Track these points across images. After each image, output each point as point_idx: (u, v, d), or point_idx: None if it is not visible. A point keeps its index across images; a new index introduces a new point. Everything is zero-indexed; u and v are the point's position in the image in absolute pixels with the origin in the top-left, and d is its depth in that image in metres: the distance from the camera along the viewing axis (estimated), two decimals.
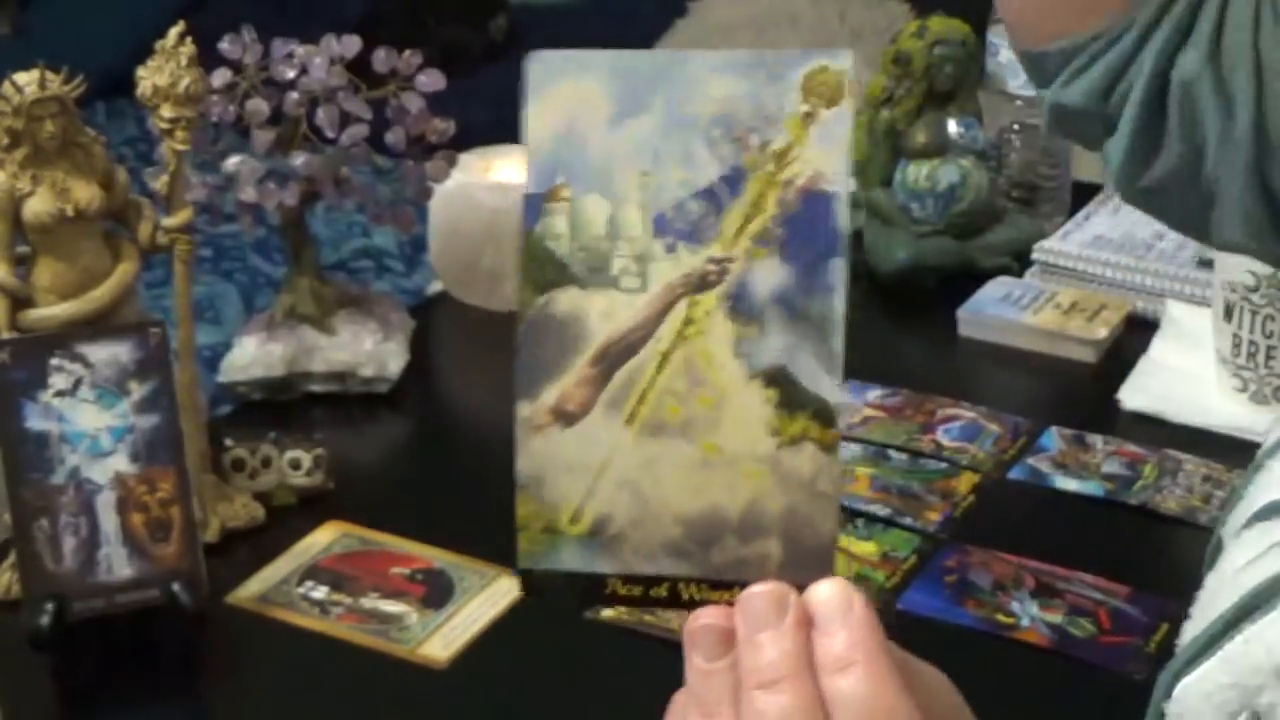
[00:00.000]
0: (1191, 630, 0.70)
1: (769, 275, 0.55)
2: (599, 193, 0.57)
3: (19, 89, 1.11)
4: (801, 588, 0.56)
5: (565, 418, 0.57)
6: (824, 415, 0.56)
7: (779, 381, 0.56)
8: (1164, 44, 0.80)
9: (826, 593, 0.55)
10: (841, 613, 0.55)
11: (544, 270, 0.57)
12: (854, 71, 0.56)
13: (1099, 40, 0.82)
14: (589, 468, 0.57)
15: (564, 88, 0.57)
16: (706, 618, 0.56)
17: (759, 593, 0.55)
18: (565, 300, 0.57)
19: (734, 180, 0.56)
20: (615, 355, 0.57)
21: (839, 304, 0.55)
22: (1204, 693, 0.66)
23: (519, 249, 0.58)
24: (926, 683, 0.59)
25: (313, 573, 1.19)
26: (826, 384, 0.55)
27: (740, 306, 0.56)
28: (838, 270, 0.55)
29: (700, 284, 0.56)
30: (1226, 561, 0.70)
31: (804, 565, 0.56)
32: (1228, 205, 0.81)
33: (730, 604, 0.57)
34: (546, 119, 0.58)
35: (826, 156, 0.55)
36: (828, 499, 0.56)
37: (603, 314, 0.57)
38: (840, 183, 0.55)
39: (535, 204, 0.58)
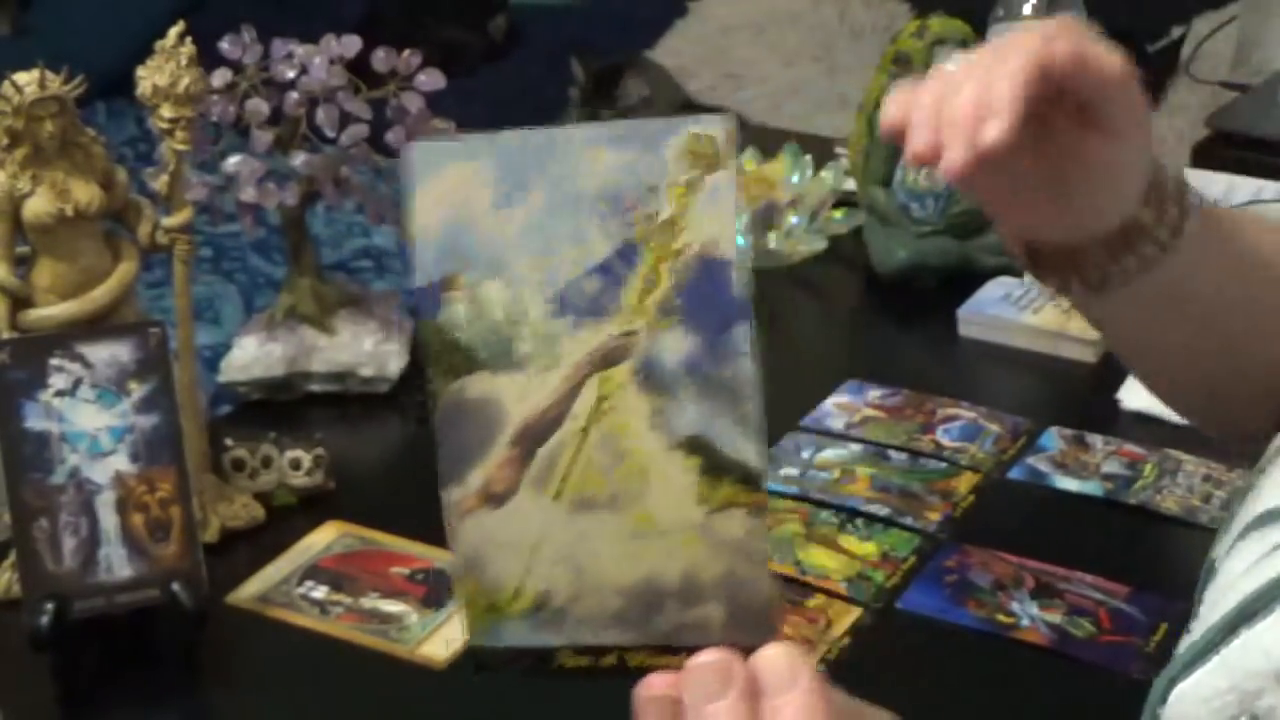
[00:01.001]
0: (1189, 640, 0.70)
1: (676, 345, 0.55)
2: (495, 278, 0.56)
3: (19, 89, 1.11)
4: (748, 649, 0.56)
5: (493, 499, 0.57)
6: (748, 479, 0.55)
7: (699, 449, 0.55)
8: None
9: (774, 659, 0.55)
10: (787, 682, 0.55)
11: (452, 358, 0.57)
12: (729, 137, 0.55)
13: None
14: (523, 546, 0.57)
15: (447, 174, 0.56)
16: (656, 688, 0.56)
17: (704, 664, 0.55)
18: (477, 385, 0.57)
19: (628, 253, 0.55)
20: (534, 435, 0.57)
21: (748, 368, 0.55)
22: (1201, 698, 0.66)
23: (423, 338, 0.58)
24: None
25: (313, 573, 1.19)
26: (746, 448, 0.55)
27: (651, 378, 0.55)
28: (743, 336, 0.55)
29: (608, 359, 0.56)
30: (1224, 570, 0.70)
31: (747, 626, 0.56)
32: None
33: (679, 669, 0.57)
34: (433, 207, 0.57)
35: (716, 222, 0.54)
36: (761, 561, 0.56)
37: (516, 396, 0.56)
38: (732, 249, 0.55)
39: (432, 294, 0.57)
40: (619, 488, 0.56)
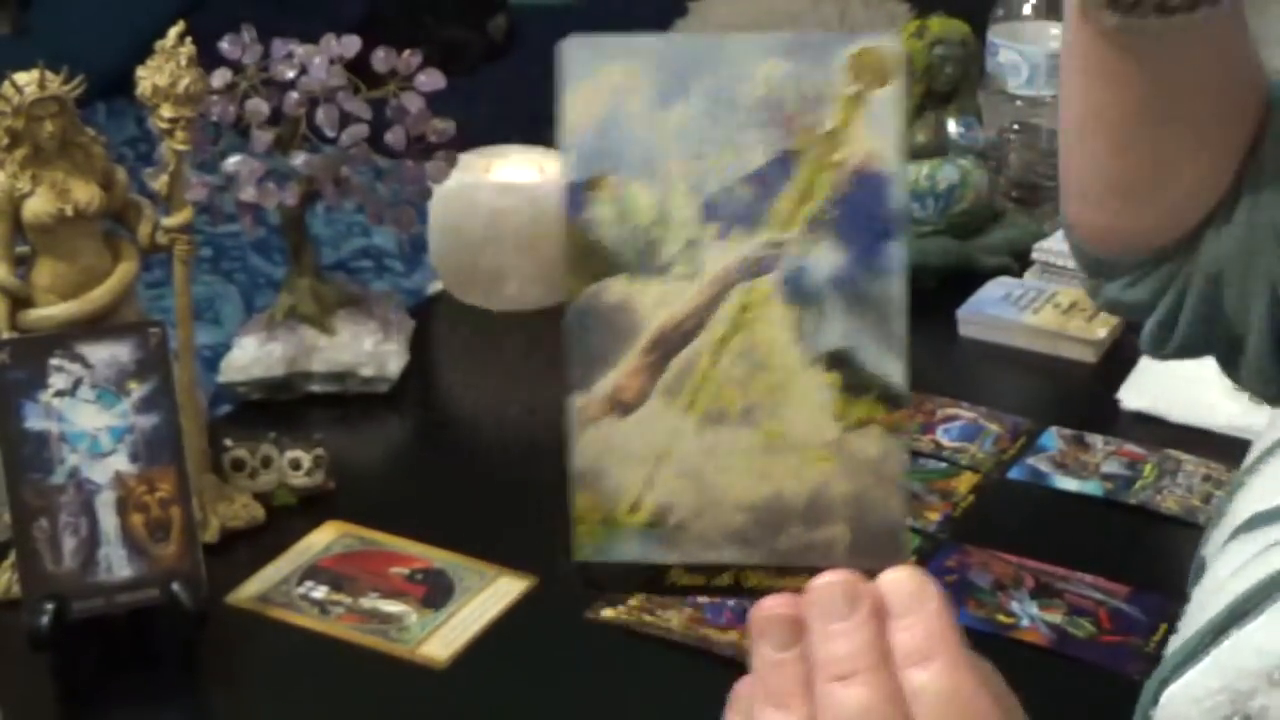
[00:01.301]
0: (1178, 641, 0.70)
1: (825, 258, 0.54)
2: (645, 180, 0.55)
3: (19, 89, 1.11)
4: (871, 573, 0.55)
5: (621, 407, 0.56)
6: (889, 398, 0.55)
7: (841, 365, 0.55)
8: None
9: (901, 580, 0.54)
10: (918, 602, 0.54)
11: (591, 260, 0.56)
12: (899, 55, 0.54)
13: (1162, 255, 0.85)
14: (647, 457, 0.56)
15: (602, 73, 0.56)
16: (774, 607, 0.55)
17: (830, 582, 0.54)
18: (615, 289, 0.56)
19: (784, 163, 0.54)
20: (670, 344, 0.55)
21: (899, 286, 0.54)
22: (1193, 698, 0.66)
23: (564, 238, 0.56)
24: (990, 675, 0.58)
25: (312, 573, 1.19)
26: (890, 366, 0.54)
27: (797, 291, 0.55)
28: (896, 252, 0.54)
29: (755, 269, 0.55)
30: (1212, 573, 0.70)
31: (873, 550, 0.55)
32: (1249, 363, 0.85)
33: (797, 591, 0.55)
34: (585, 105, 0.56)
35: (878, 138, 0.54)
36: (895, 482, 0.55)
37: (655, 302, 0.55)
38: (894, 163, 0.54)
39: (578, 192, 0.55)
40: (754, 401, 0.55)
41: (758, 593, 0.57)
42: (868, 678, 0.53)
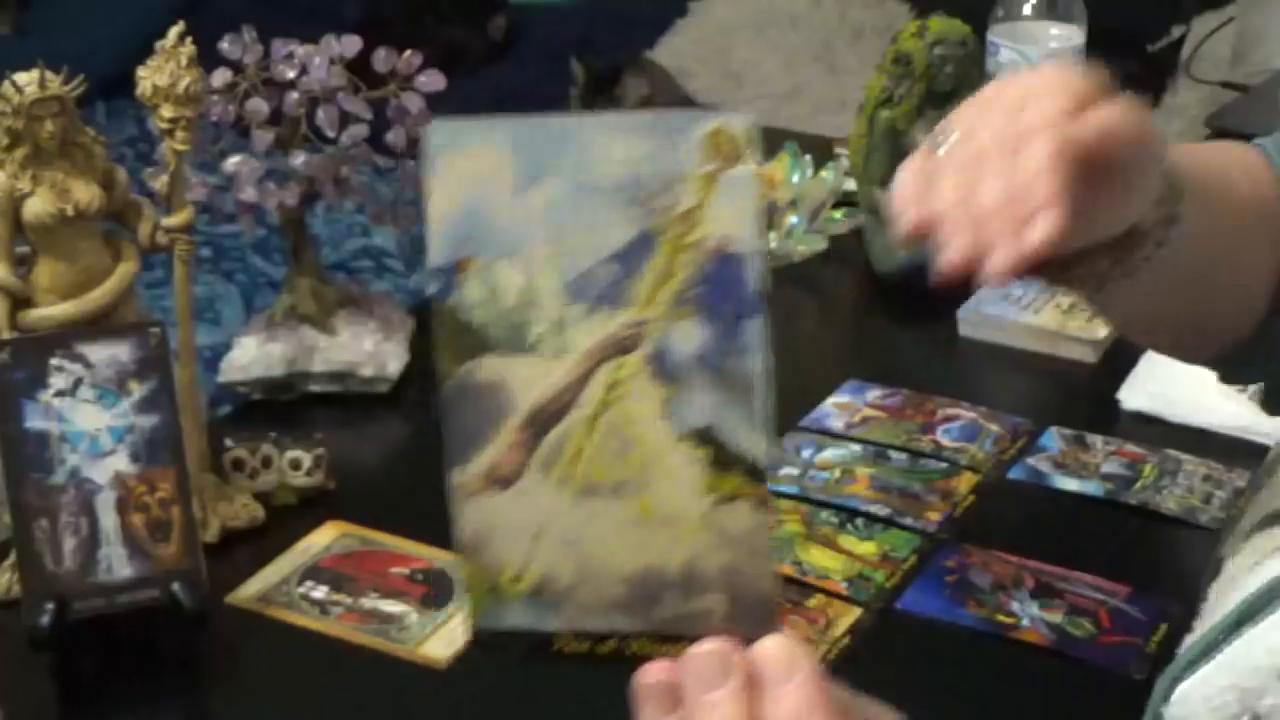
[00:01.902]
0: (1192, 638, 0.70)
1: (688, 336, 0.55)
2: (510, 261, 0.56)
3: (19, 89, 1.11)
4: (748, 641, 0.56)
5: (500, 481, 0.57)
6: (754, 473, 0.55)
7: (708, 441, 0.56)
8: None
9: (772, 650, 0.55)
10: (787, 672, 0.55)
11: (462, 339, 0.57)
12: (751, 133, 0.55)
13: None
14: (528, 529, 0.58)
15: (466, 156, 0.56)
16: (654, 674, 0.56)
17: (705, 652, 0.55)
18: (487, 368, 0.57)
19: (644, 243, 0.55)
20: (543, 420, 0.57)
21: (759, 364, 0.55)
22: (1203, 696, 0.66)
23: (434, 319, 0.57)
24: None
25: (313, 572, 1.19)
26: (753, 442, 0.55)
27: (663, 368, 0.56)
28: (755, 330, 0.55)
29: (620, 348, 0.56)
30: (1227, 571, 0.70)
31: (748, 619, 0.56)
32: None
33: (678, 657, 0.57)
34: (450, 188, 0.57)
35: (734, 217, 0.55)
36: (763, 554, 0.56)
37: (526, 380, 0.57)
38: (751, 242, 0.55)
39: (447, 275, 0.57)
40: (625, 475, 0.56)
41: (641, 659, 0.58)
42: None
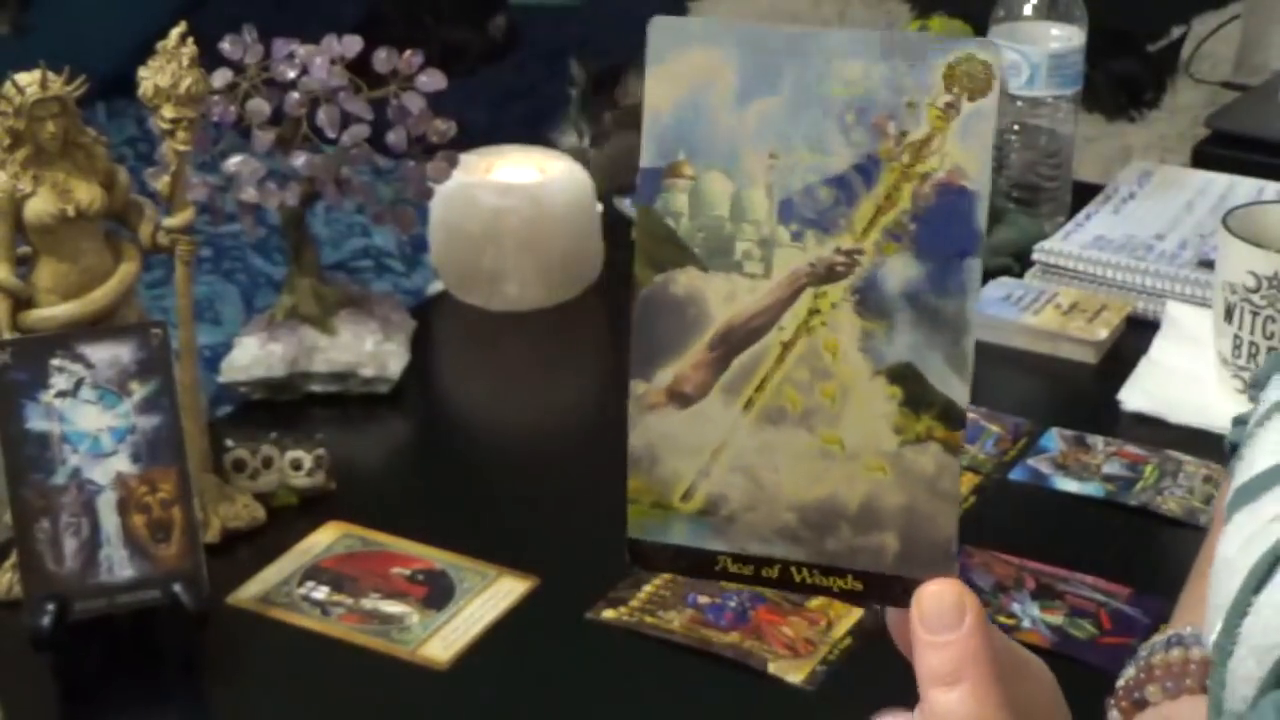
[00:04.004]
0: (1211, 636, 0.70)
1: (900, 271, 0.53)
2: (723, 172, 0.54)
3: (20, 89, 1.11)
4: (917, 582, 0.55)
5: (680, 399, 0.56)
6: (950, 416, 0.54)
7: (905, 379, 0.54)
8: None
9: (939, 595, 0.54)
10: (954, 619, 0.54)
11: (661, 248, 0.55)
12: (998, 65, 0.53)
13: None
14: (703, 449, 0.56)
15: (688, 57, 0.54)
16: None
17: (935, 591, 0.54)
18: (684, 280, 0.55)
19: (868, 169, 0.53)
20: (736, 340, 0.55)
21: (972, 305, 0.53)
22: (1230, 670, 0.66)
23: (635, 224, 0.55)
24: (1032, 683, 0.57)
25: (314, 573, 1.19)
26: (954, 384, 0.54)
27: (868, 301, 0.54)
28: (973, 270, 0.53)
29: (827, 275, 0.54)
30: (1220, 558, 0.71)
31: (921, 562, 0.55)
32: None
33: (844, 591, 0.56)
34: (668, 89, 0.54)
35: (968, 151, 0.53)
36: (949, 498, 0.55)
37: (723, 297, 0.54)
38: (981, 180, 0.53)
39: (653, 178, 0.54)
40: (814, 405, 0.55)
41: (804, 587, 0.57)
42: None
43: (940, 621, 0.54)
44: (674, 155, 0.54)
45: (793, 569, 0.57)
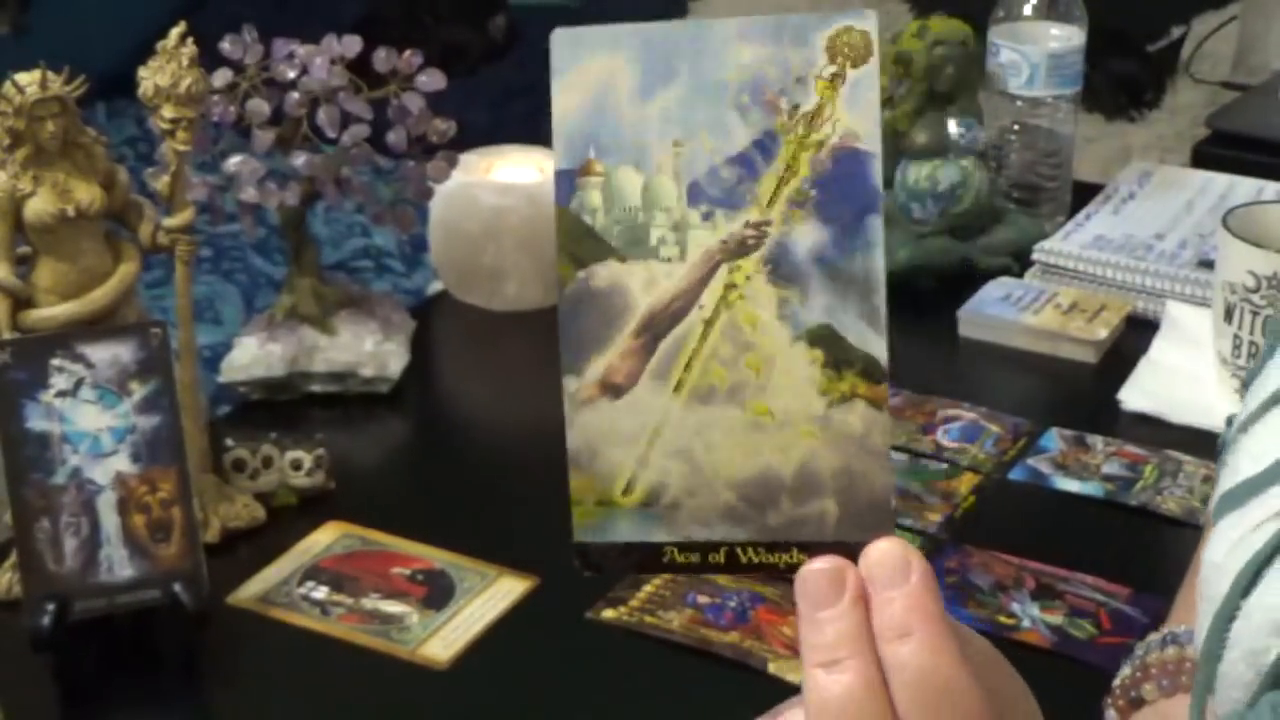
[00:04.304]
0: (1199, 640, 0.70)
1: (807, 236, 0.56)
2: (632, 165, 0.57)
3: (20, 89, 1.11)
4: (860, 545, 0.56)
5: (612, 390, 0.57)
6: (871, 371, 0.56)
7: (824, 341, 0.56)
8: None
9: (885, 553, 0.55)
10: (899, 575, 0.54)
11: (581, 244, 0.57)
12: (877, 30, 0.56)
13: None
14: (639, 438, 0.57)
15: (589, 62, 0.57)
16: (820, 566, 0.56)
17: (816, 570, 0.55)
18: (604, 273, 0.57)
19: (766, 145, 0.56)
20: (659, 325, 0.57)
21: (878, 260, 0.55)
22: (1222, 674, 0.66)
23: (555, 226, 0.57)
24: (979, 651, 0.58)
25: (313, 573, 1.19)
26: (871, 339, 0.56)
27: (781, 269, 0.56)
28: (875, 227, 0.56)
29: (739, 249, 0.56)
30: (1207, 564, 0.71)
31: (861, 523, 0.56)
32: None
33: (789, 566, 0.57)
34: (573, 94, 0.57)
35: (857, 116, 0.55)
36: (880, 455, 0.56)
37: (643, 285, 0.57)
38: (872, 141, 0.56)
39: (567, 180, 0.57)
40: (740, 379, 0.57)
41: (751, 568, 0.58)
42: (850, 664, 0.54)
43: (889, 578, 0.54)
44: (584, 155, 0.57)
45: (738, 550, 0.58)
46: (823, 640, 0.55)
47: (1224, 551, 0.69)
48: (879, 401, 0.56)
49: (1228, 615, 0.67)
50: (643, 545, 0.58)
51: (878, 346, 0.56)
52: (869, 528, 0.56)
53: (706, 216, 0.56)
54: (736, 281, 0.56)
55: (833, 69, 0.55)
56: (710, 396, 0.57)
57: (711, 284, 0.57)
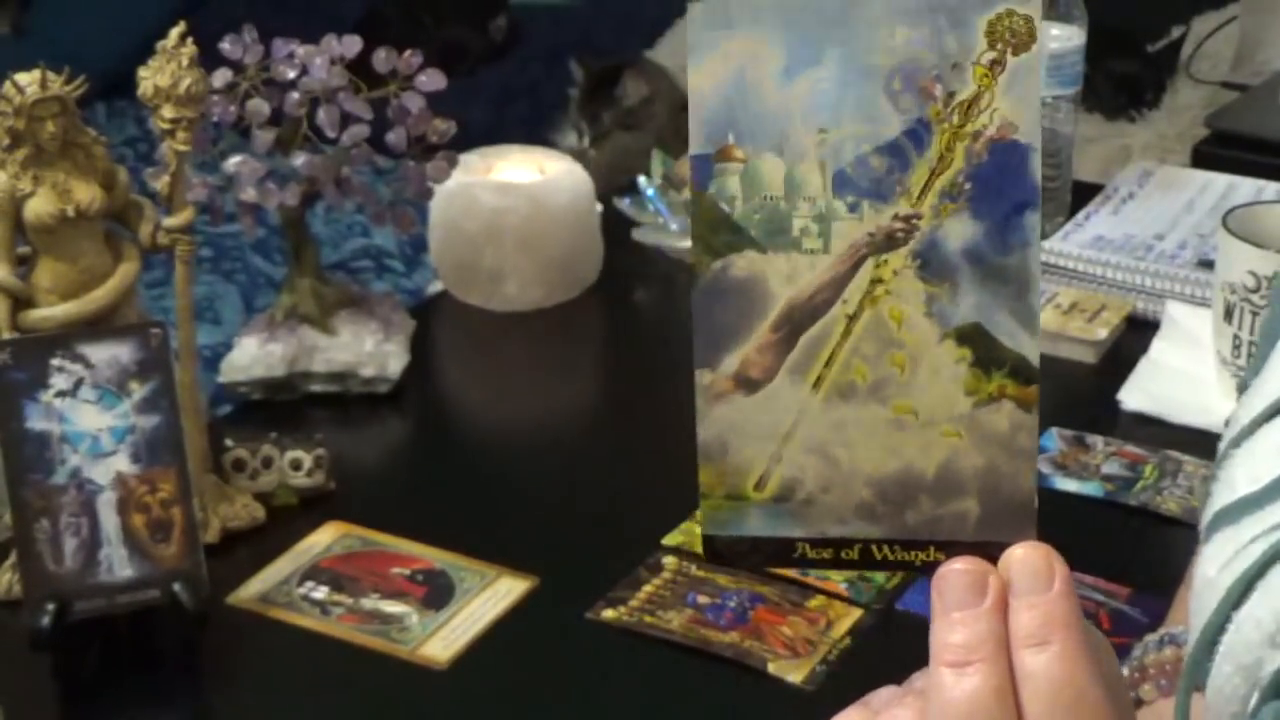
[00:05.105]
0: (1189, 649, 0.70)
1: (960, 231, 0.53)
2: (773, 151, 0.54)
3: (20, 89, 1.11)
4: (1001, 546, 0.54)
5: (748, 385, 0.55)
6: (1022, 372, 0.54)
7: (973, 340, 0.54)
8: None
9: (1027, 558, 0.54)
10: (1042, 583, 0.53)
11: (718, 233, 0.55)
12: (1038, 17, 0.53)
13: None
14: (774, 435, 0.56)
15: (730, 40, 0.54)
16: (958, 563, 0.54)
17: (957, 570, 0.54)
18: (742, 263, 0.55)
19: (918, 134, 0.53)
20: (800, 319, 0.55)
21: (1034, 257, 0.53)
22: (1215, 688, 0.66)
23: (690, 211, 0.55)
24: (1111, 662, 0.57)
25: (313, 573, 1.19)
26: (1024, 340, 0.54)
27: (930, 265, 0.54)
28: (1033, 224, 0.53)
29: (887, 243, 0.54)
30: (1199, 578, 0.71)
31: (1002, 524, 0.55)
32: None
33: (926, 564, 0.56)
34: (712, 73, 0.54)
35: (1016, 105, 0.53)
36: (1027, 456, 0.54)
37: (784, 277, 0.54)
38: (1033, 133, 0.53)
39: (704, 164, 0.54)
40: (883, 376, 0.55)
41: (887, 565, 0.56)
42: (981, 668, 0.53)
43: (1030, 584, 0.53)
44: (723, 139, 0.54)
45: (873, 547, 0.56)
46: (955, 640, 0.53)
47: (1218, 567, 0.69)
48: (1028, 403, 0.54)
49: (1218, 626, 0.67)
50: (773, 540, 0.56)
51: (1029, 346, 0.54)
52: (1010, 529, 0.55)
53: (853, 208, 0.54)
54: (883, 276, 0.54)
55: (992, 55, 0.53)
56: (851, 393, 0.55)
57: (856, 278, 0.54)
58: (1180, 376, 1.41)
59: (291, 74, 1.33)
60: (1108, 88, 3.16)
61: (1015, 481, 0.55)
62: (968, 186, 0.53)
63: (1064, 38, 1.64)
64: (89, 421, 1.09)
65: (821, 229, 0.54)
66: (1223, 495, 0.72)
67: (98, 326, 1.14)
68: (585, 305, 1.58)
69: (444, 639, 1.12)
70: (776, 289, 0.55)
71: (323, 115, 1.33)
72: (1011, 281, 0.53)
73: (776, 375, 0.55)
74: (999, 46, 0.53)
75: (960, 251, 0.54)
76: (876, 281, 0.54)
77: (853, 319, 0.55)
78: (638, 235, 1.68)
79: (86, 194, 1.14)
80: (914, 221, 0.54)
